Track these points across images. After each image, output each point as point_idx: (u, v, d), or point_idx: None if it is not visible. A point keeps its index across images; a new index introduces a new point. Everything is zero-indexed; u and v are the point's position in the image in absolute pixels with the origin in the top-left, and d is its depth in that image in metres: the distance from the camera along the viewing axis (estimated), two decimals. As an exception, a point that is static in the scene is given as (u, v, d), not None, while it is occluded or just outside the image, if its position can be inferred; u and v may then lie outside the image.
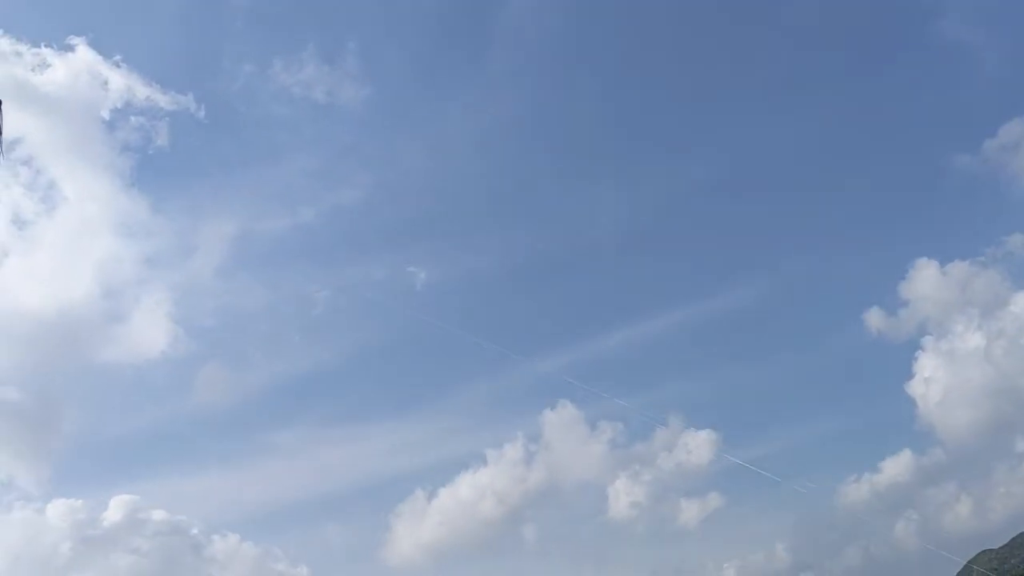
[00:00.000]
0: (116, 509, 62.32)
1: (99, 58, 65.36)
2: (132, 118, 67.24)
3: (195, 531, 62.03)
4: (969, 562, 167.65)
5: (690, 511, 69.72)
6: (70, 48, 63.84)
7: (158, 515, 62.11)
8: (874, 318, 79.59)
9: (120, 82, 66.36)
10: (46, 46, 63.98)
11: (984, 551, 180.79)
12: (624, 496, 68.88)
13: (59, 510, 61.16)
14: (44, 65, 63.10)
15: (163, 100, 69.08)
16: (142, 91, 67.69)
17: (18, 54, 63.39)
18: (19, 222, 62.09)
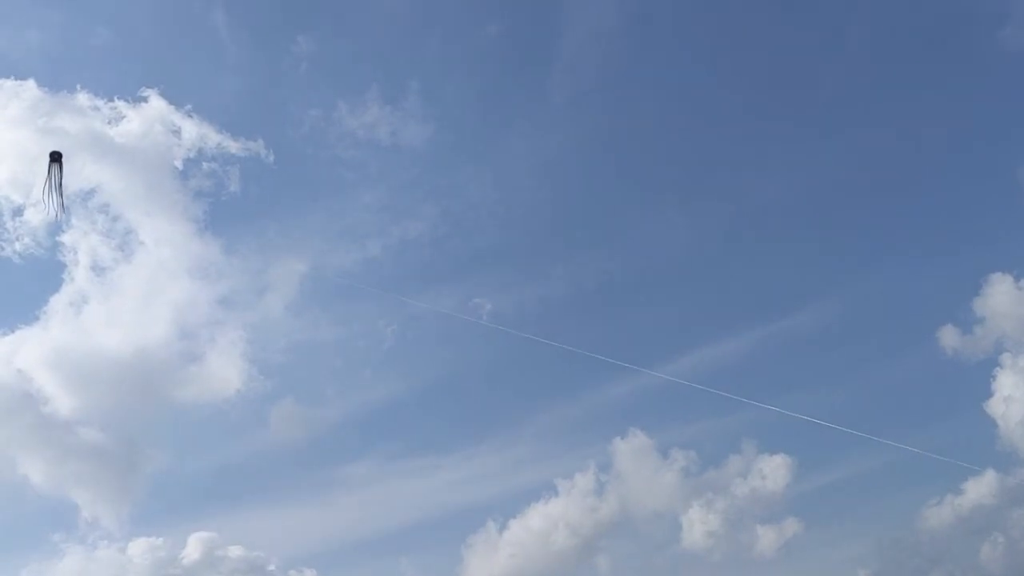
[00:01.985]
0: (194, 546, 64.48)
1: (171, 108, 69.14)
2: (204, 164, 70.75)
3: (272, 567, 63.98)
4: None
5: (767, 538, 69.61)
6: (143, 99, 67.68)
7: (235, 551, 64.13)
8: (948, 336, 78.08)
9: (192, 130, 70.04)
10: (120, 99, 67.83)
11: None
12: (698, 525, 68.80)
13: (140, 548, 63.56)
14: (119, 117, 66.92)
15: (234, 147, 72.72)
16: (214, 138, 71.36)
17: (96, 108, 67.48)
18: (97, 268, 65.64)
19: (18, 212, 72.65)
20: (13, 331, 73.56)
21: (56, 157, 36.17)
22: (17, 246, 74.78)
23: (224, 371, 79.35)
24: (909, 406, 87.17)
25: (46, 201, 35.49)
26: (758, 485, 78.78)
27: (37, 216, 70.21)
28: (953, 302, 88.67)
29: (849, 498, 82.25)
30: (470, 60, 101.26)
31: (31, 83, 72.17)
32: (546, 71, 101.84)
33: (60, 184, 35.77)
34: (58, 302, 74.97)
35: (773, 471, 78.44)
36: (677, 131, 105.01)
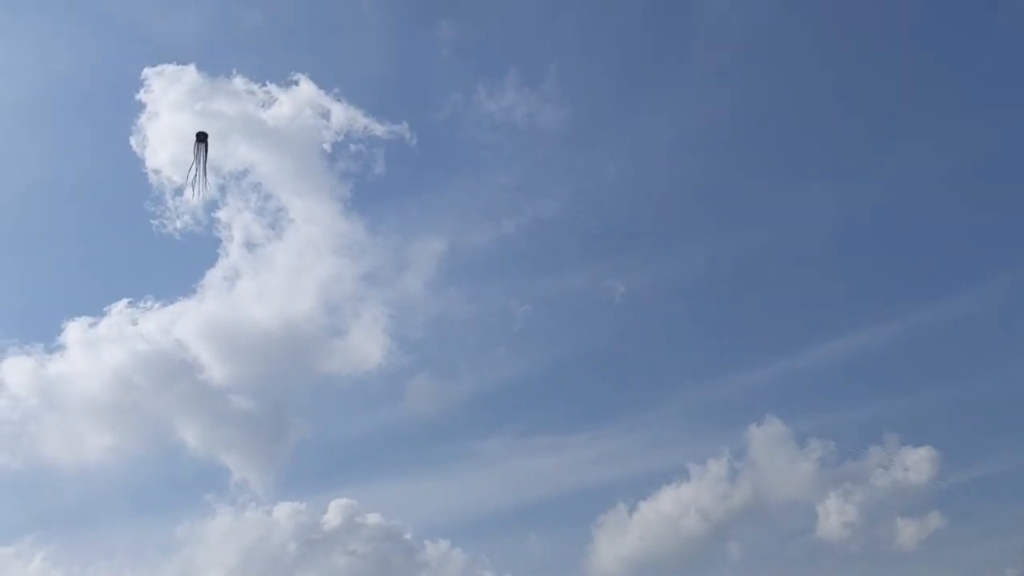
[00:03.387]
0: (335, 513, 67.53)
1: (320, 92, 72.55)
2: (352, 147, 73.73)
3: (408, 536, 66.28)
4: None
5: (908, 531, 66.86)
6: (294, 83, 71.34)
7: (373, 519, 66.85)
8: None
9: (340, 114, 73.22)
10: (272, 82, 71.82)
11: None
12: (835, 515, 66.90)
13: (284, 512, 66.99)
14: (271, 101, 70.51)
15: (380, 130, 75.61)
16: (361, 121, 74.35)
17: (250, 92, 71.38)
18: (250, 245, 69.37)
19: (179, 192, 76.79)
20: (173, 302, 77.76)
21: (202, 137, 38.61)
22: (178, 223, 78.98)
23: (366, 345, 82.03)
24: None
25: (192, 179, 38.06)
26: (900, 477, 76.22)
27: (198, 196, 74.21)
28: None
29: (998, 494, 78.51)
30: (609, 41, 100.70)
31: (191, 68, 75.88)
32: (685, 49, 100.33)
33: (205, 163, 38.21)
34: (214, 276, 78.96)
35: (916, 464, 75.72)
36: (821, 107, 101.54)
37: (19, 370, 75.05)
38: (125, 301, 77.01)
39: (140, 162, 76.77)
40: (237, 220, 79.36)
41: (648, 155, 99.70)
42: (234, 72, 79.08)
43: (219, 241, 79.99)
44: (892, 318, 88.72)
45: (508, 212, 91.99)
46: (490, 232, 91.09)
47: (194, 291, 79.30)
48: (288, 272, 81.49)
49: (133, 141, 76.19)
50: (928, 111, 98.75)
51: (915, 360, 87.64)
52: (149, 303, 77.42)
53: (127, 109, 78.16)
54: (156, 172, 76.21)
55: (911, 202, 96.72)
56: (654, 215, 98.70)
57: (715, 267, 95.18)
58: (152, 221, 79.31)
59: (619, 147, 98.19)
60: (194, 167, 37.86)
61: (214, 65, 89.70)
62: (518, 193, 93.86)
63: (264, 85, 79.13)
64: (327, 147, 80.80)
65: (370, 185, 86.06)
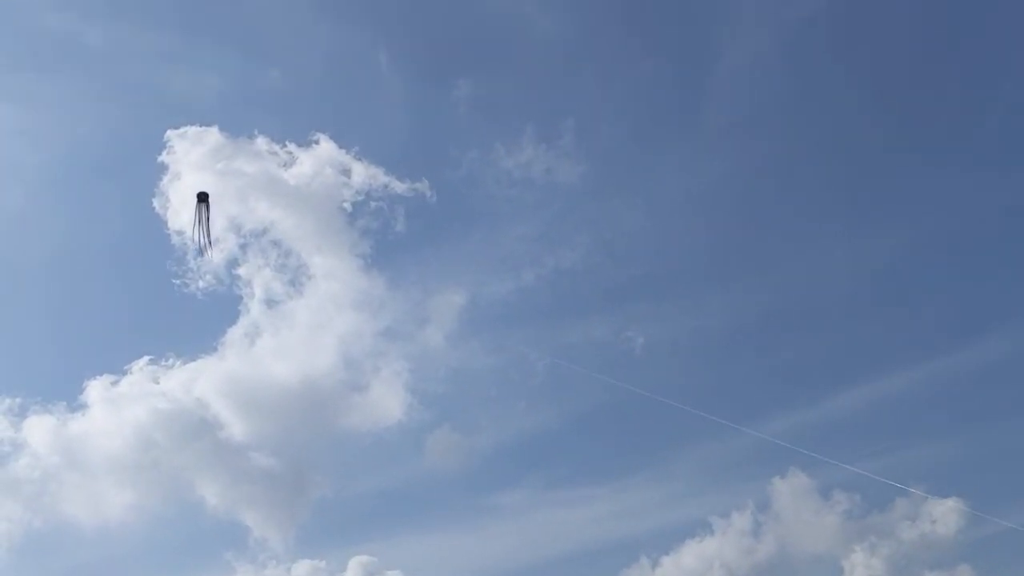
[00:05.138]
0: (355, 570, 66.97)
1: (340, 150, 74.21)
2: (372, 204, 74.82)
3: (429, 593, 65.13)
4: None
5: (937, 586, 65.16)
6: (314, 142, 73.10)
7: (393, 576, 66.13)
8: None
9: (361, 172, 74.80)
10: (292, 142, 73.57)
11: None
12: (861, 569, 65.76)
13: (304, 570, 66.51)
14: (292, 160, 72.07)
15: (400, 187, 77.09)
16: (381, 179, 75.89)
17: (272, 152, 73.21)
18: (270, 302, 70.09)
19: (200, 252, 77.40)
20: (194, 360, 78.04)
21: (203, 197, 39.59)
22: (200, 283, 79.52)
23: (386, 400, 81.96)
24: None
25: (197, 237, 38.98)
26: (927, 530, 75.05)
27: (219, 255, 74.66)
28: None
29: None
30: (625, 96, 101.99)
31: (214, 129, 77.04)
32: (700, 102, 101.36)
33: (208, 221, 39.15)
34: (234, 333, 79.27)
35: (944, 515, 74.60)
36: (840, 158, 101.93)
37: (41, 428, 75.50)
38: (146, 359, 77.45)
39: (162, 223, 77.63)
40: (258, 278, 79.94)
41: (667, 206, 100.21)
42: (256, 132, 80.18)
43: (240, 298, 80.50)
44: (916, 366, 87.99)
45: (528, 263, 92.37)
46: (509, 283, 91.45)
47: (215, 348, 79.65)
48: (308, 328, 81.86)
49: (156, 202, 77.16)
50: (950, 155, 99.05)
51: (940, 408, 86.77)
52: (170, 361, 77.83)
53: (150, 171, 79.35)
54: (179, 233, 77.06)
55: (934, 248, 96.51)
56: (674, 266, 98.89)
57: (735, 316, 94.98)
58: (174, 281, 79.98)
59: (638, 199, 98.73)
60: (197, 226, 38.77)
61: (236, 126, 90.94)
62: (537, 244, 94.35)
63: (285, 145, 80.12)
64: (347, 205, 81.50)
65: (390, 241, 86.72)
